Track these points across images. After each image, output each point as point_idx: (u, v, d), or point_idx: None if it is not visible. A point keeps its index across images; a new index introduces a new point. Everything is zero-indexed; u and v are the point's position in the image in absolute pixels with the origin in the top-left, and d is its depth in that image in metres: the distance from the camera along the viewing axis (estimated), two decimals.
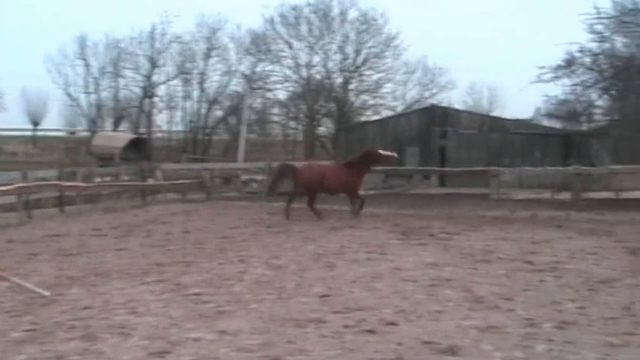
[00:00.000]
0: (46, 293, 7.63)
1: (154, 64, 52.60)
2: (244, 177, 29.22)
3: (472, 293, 7.73)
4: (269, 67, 52.20)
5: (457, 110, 43.76)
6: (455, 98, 70.57)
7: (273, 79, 52.30)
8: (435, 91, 53.12)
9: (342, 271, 9.21)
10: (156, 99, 53.65)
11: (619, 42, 29.19)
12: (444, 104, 47.08)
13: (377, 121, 44.93)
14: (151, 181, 25.31)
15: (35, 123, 59.77)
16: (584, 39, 29.22)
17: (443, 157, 38.48)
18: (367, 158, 17.57)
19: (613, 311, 6.90)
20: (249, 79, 51.16)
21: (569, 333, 6.12)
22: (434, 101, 49.40)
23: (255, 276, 8.92)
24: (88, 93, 54.63)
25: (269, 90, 52.47)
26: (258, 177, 27.10)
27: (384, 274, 9.00)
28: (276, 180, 18.22)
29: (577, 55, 29.01)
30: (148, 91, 52.78)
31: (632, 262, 10.05)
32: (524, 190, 23.65)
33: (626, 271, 9.22)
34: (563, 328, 6.29)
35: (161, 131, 55.07)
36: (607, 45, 28.91)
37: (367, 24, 50.95)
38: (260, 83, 51.90)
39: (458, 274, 8.96)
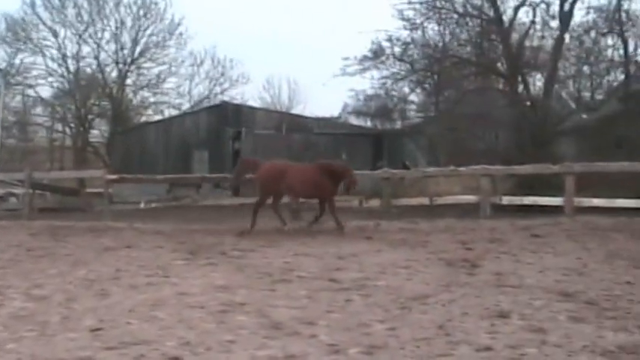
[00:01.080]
0: None
1: None
2: (0, 191, 27.82)
3: (269, 319, 7.75)
4: (30, 59, 49.87)
5: (252, 108, 44.24)
6: (250, 94, 71.42)
7: (34, 73, 50.03)
8: (226, 86, 53.16)
9: (117, 300, 8.95)
10: None
11: (431, 29, 30.54)
12: (237, 101, 47.36)
13: (159, 121, 44.46)
14: None
15: None
16: (394, 26, 30.44)
17: (237, 161, 38.64)
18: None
19: (427, 331, 7.17)
20: (4, 72, 48.63)
21: (378, 358, 6.26)
22: (225, 98, 49.51)
23: (12, 310, 8.50)
24: None
25: (30, 86, 50.16)
26: (18, 191, 25.86)
27: (166, 300, 8.87)
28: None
29: (385, 44, 30.09)
30: None
31: (447, 274, 10.55)
32: None
33: (441, 285, 9.65)
34: (372, 353, 6.44)
35: None
36: (418, 33, 30.14)
37: (146, 8, 49.99)
38: (19, 78, 49.50)
39: (253, 297, 8.97)
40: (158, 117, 48.37)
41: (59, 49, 49.55)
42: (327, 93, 72.49)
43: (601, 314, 7.90)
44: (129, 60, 50.14)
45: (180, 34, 50.25)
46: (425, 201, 22.09)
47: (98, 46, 49.80)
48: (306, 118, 43.37)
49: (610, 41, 29.87)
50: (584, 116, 32.62)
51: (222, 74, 53.49)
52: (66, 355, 6.50)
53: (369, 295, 9.04)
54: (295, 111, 53.68)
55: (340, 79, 33.88)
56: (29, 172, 24.25)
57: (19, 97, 50.15)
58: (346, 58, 29.66)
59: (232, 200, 29.55)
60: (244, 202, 26.33)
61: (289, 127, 39.74)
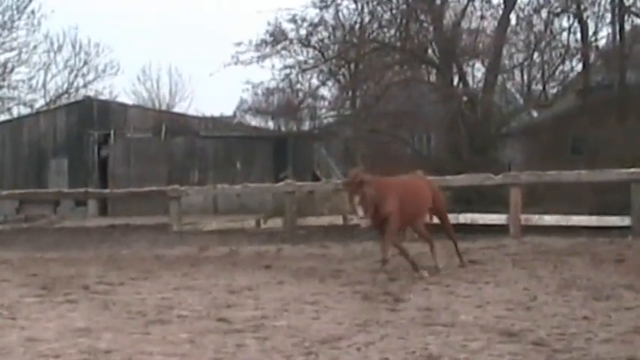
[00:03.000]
0: None
1: None
2: None
3: None
4: None
5: (124, 105, 43.86)
6: (121, 88, 70.79)
7: None
8: (90, 77, 52.53)
9: None
10: None
11: (346, 8, 30.58)
12: (104, 97, 46.89)
13: (6, 122, 43.62)
14: None
15: None
16: (299, 4, 30.40)
17: (104, 172, 38.29)
18: None
19: None
20: None
21: None
22: (89, 92, 48.96)
23: None
24: None
25: None
26: None
27: (12, 347, 8.77)
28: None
29: (288, 26, 30.01)
30: None
31: (364, 311, 10.60)
32: (219, 217, 24.21)
33: (356, 324, 9.68)
34: None
35: None
36: (330, 12, 30.14)
37: None
38: None
39: (121, 342, 8.91)
40: (4, 117, 47.48)
41: None
42: (218, 86, 71.92)
43: (552, 357, 8.02)
44: None
45: (32, 12, 49.37)
46: (338, 220, 22.18)
47: None
48: (192, 117, 43.19)
49: (565, 23, 30.41)
50: (535, 114, 33.26)
51: (86, 63, 52.85)
52: None
53: (266, 337, 9.02)
54: (178, 109, 53.41)
55: (233, 70, 33.78)
56: None
57: None
58: (239, 44, 29.44)
59: (100, 221, 29.23)
60: (114, 223, 26.10)
61: (170, 129, 39.47)
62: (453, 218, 20.77)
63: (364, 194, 13.52)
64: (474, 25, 30.17)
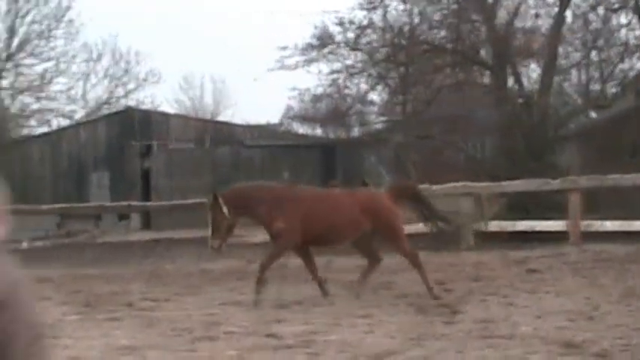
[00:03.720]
0: None
1: None
2: None
3: None
4: None
5: (166, 115, 44.00)
6: (163, 97, 71.08)
7: None
8: (131, 86, 52.68)
9: None
10: None
11: (395, 9, 30.52)
12: (145, 106, 47.12)
13: (45, 134, 43.96)
14: None
15: None
16: (346, 6, 30.32)
17: (147, 184, 38.46)
18: None
19: None
20: None
21: None
22: (131, 102, 49.21)
23: None
24: None
25: None
26: None
27: None
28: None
29: (335, 29, 29.99)
30: None
31: (419, 324, 10.59)
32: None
33: (411, 339, 9.67)
34: None
35: None
36: (378, 14, 30.11)
37: None
38: None
39: None
40: (44, 129, 47.84)
41: None
42: (264, 94, 72.05)
43: None
44: (3, 56, 49.55)
45: (71, 20, 49.67)
46: None
47: None
48: (237, 126, 43.25)
49: (623, 19, 30.14)
50: (593, 116, 32.96)
51: (126, 71, 53.00)
52: None
53: (317, 353, 9.04)
54: (222, 117, 53.59)
55: (279, 76, 33.77)
56: None
57: None
58: (284, 48, 29.43)
59: (143, 235, 29.37)
60: (158, 237, 26.21)
61: (214, 139, 39.59)
62: (509, 226, 20.77)
63: (217, 214, 13.47)
64: (528, 24, 30.00)
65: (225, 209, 13.30)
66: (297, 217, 13.60)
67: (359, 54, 31.01)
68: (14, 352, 2.57)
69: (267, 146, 39.31)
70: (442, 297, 12.77)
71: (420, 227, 21.74)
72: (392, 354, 8.86)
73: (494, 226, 20.61)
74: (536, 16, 29.64)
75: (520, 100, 28.62)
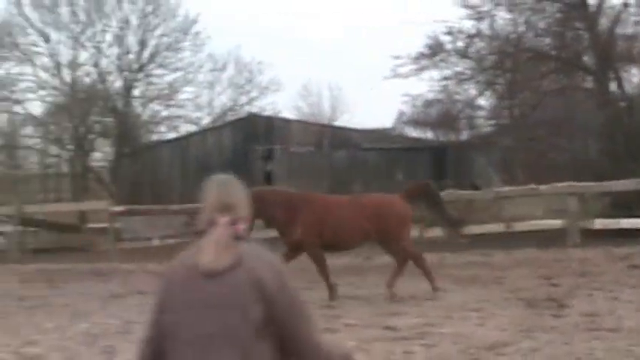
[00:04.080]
0: None
1: None
2: None
3: None
4: (16, 69, 50.32)
5: (287, 120, 44.28)
6: (283, 104, 71.66)
7: (23, 85, 50.44)
8: (254, 94, 53.16)
9: (126, 358, 9.00)
10: None
11: (502, 18, 30.39)
12: (267, 113, 47.49)
13: (174, 140, 44.61)
14: None
15: None
16: (455, 16, 30.29)
17: (270, 186, 38.76)
18: None
19: None
20: None
21: None
22: (253, 109, 49.67)
23: None
24: None
25: (18, 102, 50.68)
26: (5, 228, 26.18)
27: None
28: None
29: (445, 38, 30.02)
30: None
31: (529, 317, 10.48)
32: None
33: (521, 331, 9.59)
34: None
35: None
36: (486, 23, 30.02)
37: (155, 2, 50.30)
38: (4, 92, 50.09)
39: None
40: (173, 134, 48.54)
41: (51, 55, 49.90)
42: (377, 100, 71.96)
43: None
44: (135, 67, 50.18)
45: (197, 33, 50.21)
46: (499, 228, 21.95)
47: (98, 50, 49.82)
48: (353, 130, 43.33)
49: None
50: None
51: (249, 80, 53.43)
52: None
53: (432, 345, 9.01)
54: (339, 122, 53.77)
55: (393, 83, 33.85)
56: (18, 206, 24.50)
57: (4, 116, 50.64)
58: (397, 57, 29.57)
59: (265, 233, 29.54)
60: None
61: (332, 143, 39.74)
62: (613, 223, 20.43)
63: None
64: (629, 30, 29.49)
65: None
66: (312, 224, 13.72)
67: (468, 61, 30.96)
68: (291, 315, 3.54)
69: (382, 149, 39.25)
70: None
71: (526, 225, 21.72)
72: (503, 345, 8.79)
73: (599, 224, 20.30)
74: (637, 23, 29.17)
75: (622, 104, 28.18)
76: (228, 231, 3.69)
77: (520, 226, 21.69)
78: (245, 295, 3.48)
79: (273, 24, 79.18)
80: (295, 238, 13.69)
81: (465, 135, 37.93)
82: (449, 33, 29.61)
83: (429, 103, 35.74)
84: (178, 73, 51.38)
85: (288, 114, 52.47)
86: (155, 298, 3.65)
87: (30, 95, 50.53)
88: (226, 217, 3.76)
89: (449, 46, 30.20)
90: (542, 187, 20.76)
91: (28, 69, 50.15)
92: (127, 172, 41.29)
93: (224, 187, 4.07)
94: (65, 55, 50.04)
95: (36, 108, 51.02)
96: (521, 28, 30.44)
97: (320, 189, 34.22)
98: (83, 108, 49.47)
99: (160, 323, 3.59)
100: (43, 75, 50.22)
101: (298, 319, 3.56)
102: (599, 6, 28.60)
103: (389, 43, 63.44)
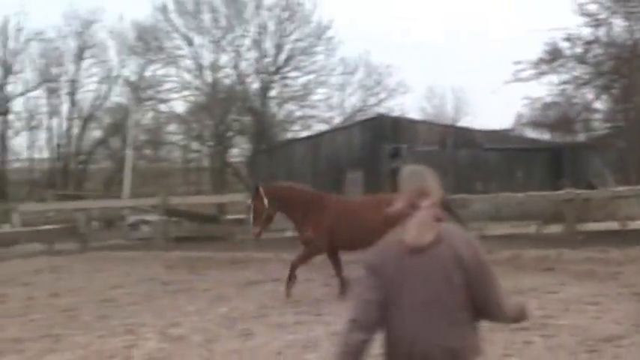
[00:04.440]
0: None
1: (7, 70, 51.58)
2: (132, 218, 28.94)
3: None
4: (162, 71, 51.56)
5: (413, 121, 44.20)
6: (409, 105, 71.47)
7: (168, 86, 51.64)
8: (382, 96, 53.25)
9: (263, 341, 9.21)
10: (11, 116, 52.50)
11: (618, 26, 29.94)
12: (395, 113, 47.48)
13: (307, 138, 44.98)
14: (5, 228, 24.86)
15: None
16: (573, 23, 29.99)
17: (395, 182, 38.73)
18: None
19: None
20: (135, 87, 50.61)
21: None
22: (382, 110, 49.74)
23: (147, 351, 8.88)
24: None
25: (163, 101, 51.86)
26: (151, 217, 26.88)
27: (319, 342, 9.03)
28: None
29: (564, 44, 29.72)
30: (0, 107, 51.78)
31: None
32: (502, 223, 24.00)
33: (635, 325, 9.48)
34: None
35: (19, 160, 53.92)
36: (603, 30, 29.61)
37: (290, 10, 50.75)
38: (150, 92, 51.30)
39: None
40: (306, 133, 48.90)
41: (194, 58, 50.85)
42: (498, 102, 71.41)
43: None
44: (272, 69, 50.82)
45: (330, 38, 50.57)
46: (615, 226, 21.62)
47: (238, 54, 50.66)
48: (475, 131, 42.99)
49: None
50: None
51: (378, 83, 53.54)
52: None
53: (551, 335, 8.99)
54: (462, 123, 53.47)
55: (513, 86, 33.62)
56: (163, 197, 25.09)
57: (150, 114, 51.77)
58: (518, 62, 29.47)
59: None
60: None
61: (455, 142, 39.56)
62: None
63: (258, 204, 13.61)
64: None
65: (265, 201, 13.44)
66: (325, 227, 13.42)
67: (585, 66, 30.59)
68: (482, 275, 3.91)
69: (502, 149, 38.90)
70: None
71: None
72: (620, 338, 8.73)
73: None
74: None
75: None
76: (430, 213, 4.01)
77: (635, 225, 21.34)
78: (448, 265, 3.86)
79: (401, 30, 79.21)
80: (306, 236, 13.62)
81: (581, 137, 37.41)
82: (568, 39, 29.40)
83: (547, 106, 35.59)
84: (312, 76, 51.81)
85: (414, 115, 52.34)
86: (369, 270, 3.96)
87: (174, 95, 51.58)
88: (426, 201, 4.06)
89: (567, 52, 29.99)
90: None
91: (172, 71, 51.24)
92: (262, 168, 41.75)
93: (422, 176, 4.32)
94: (207, 58, 50.95)
95: (179, 107, 52.16)
96: (637, 35, 30.01)
97: (444, 185, 34.10)
98: (223, 107, 50.29)
99: (379, 290, 3.91)
100: (186, 76, 51.27)
101: (489, 284, 3.90)
102: None
103: (511, 48, 62.91)
